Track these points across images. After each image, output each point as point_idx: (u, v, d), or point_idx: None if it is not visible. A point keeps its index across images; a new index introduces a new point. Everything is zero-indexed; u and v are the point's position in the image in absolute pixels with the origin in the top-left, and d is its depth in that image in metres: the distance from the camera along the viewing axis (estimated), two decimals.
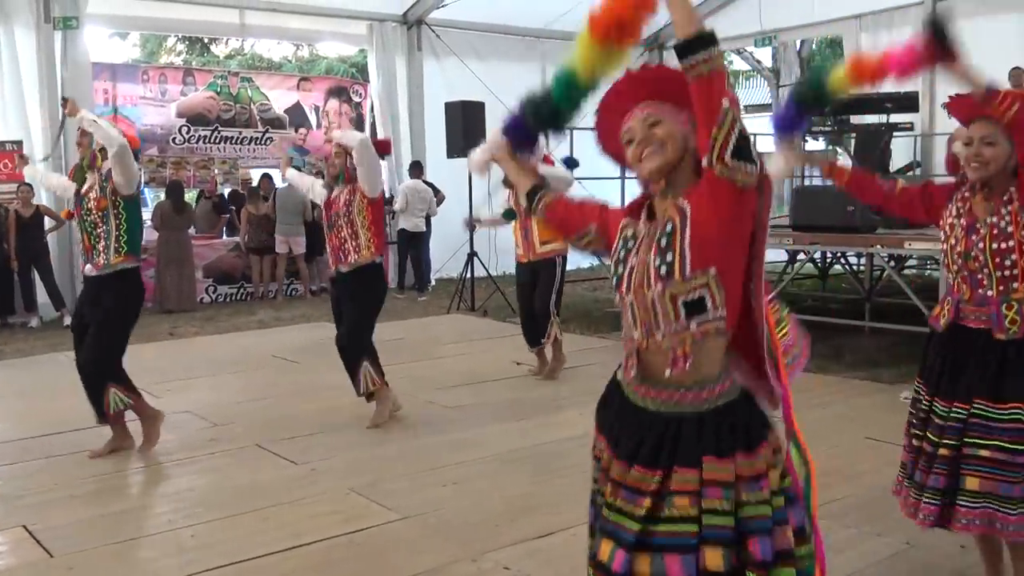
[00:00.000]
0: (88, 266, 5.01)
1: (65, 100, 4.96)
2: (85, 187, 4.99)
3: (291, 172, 6.30)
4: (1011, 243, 2.80)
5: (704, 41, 1.86)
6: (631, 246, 2.02)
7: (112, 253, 4.86)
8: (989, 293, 2.87)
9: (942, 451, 2.87)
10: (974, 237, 2.88)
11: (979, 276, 2.89)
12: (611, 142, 2.13)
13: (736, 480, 1.89)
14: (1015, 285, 2.83)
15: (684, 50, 1.86)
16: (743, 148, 1.84)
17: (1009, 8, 10.65)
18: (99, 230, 4.87)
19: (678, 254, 1.90)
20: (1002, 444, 2.79)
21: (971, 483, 2.82)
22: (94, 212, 4.86)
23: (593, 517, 2.10)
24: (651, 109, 1.99)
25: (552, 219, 2.32)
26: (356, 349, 5.41)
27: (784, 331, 2.19)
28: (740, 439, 1.91)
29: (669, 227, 1.93)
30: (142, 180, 11.79)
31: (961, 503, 2.84)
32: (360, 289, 5.45)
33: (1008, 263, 2.82)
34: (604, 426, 2.10)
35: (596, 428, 2.13)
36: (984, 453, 2.81)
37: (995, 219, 2.83)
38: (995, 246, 2.83)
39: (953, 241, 2.94)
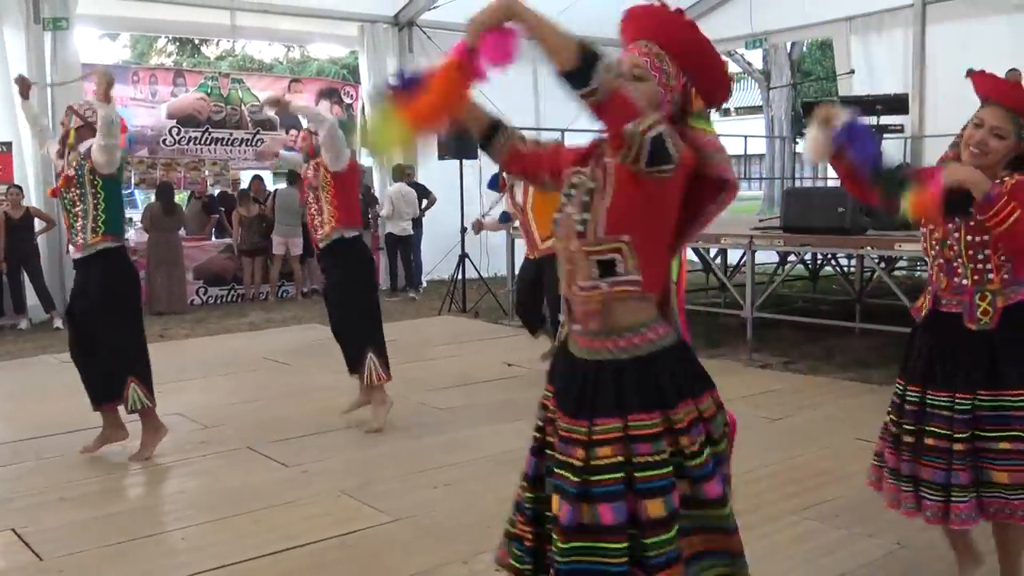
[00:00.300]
0: (71, 247, 4.96)
1: (110, 80, 4.70)
2: (61, 166, 4.94)
3: (283, 153, 6.28)
4: (986, 237, 2.73)
5: (584, 72, 1.76)
6: (572, 195, 2.06)
7: (89, 233, 4.78)
8: (964, 282, 2.82)
9: (958, 446, 2.79)
10: (950, 225, 2.81)
11: (954, 264, 2.84)
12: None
13: (665, 432, 1.95)
14: (990, 276, 2.79)
15: (570, 82, 1.80)
16: (657, 154, 1.84)
17: (999, 10, 10.70)
18: (77, 209, 4.80)
19: (593, 215, 1.97)
20: (1019, 433, 2.75)
21: (1000, 477, 2.77)
22: (72, 190, 4.79)
23: (531, 464, 2.15)
24: (646, 58, 2.00)
25: (514, 173, 2.35)
26: (355, 335, 5.38)
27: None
28: (665, 394, 1.97)
29: (592, 184, 1.99)
30: (132, 177, 11.78)
31: (992, 495, 2.78)
32: (334, 267, 5.45)
33: (981, 256, 2.78)
34: (554, 376, 2.17)
35: (548, 376, 2.20)
36: (1005, 446, 2.76)
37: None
38: (970, 238, 2.77)
39: (932, 226, 2.88)
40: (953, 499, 2.82)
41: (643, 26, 2.03)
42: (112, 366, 4.85)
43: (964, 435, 2.79)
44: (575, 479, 1.95)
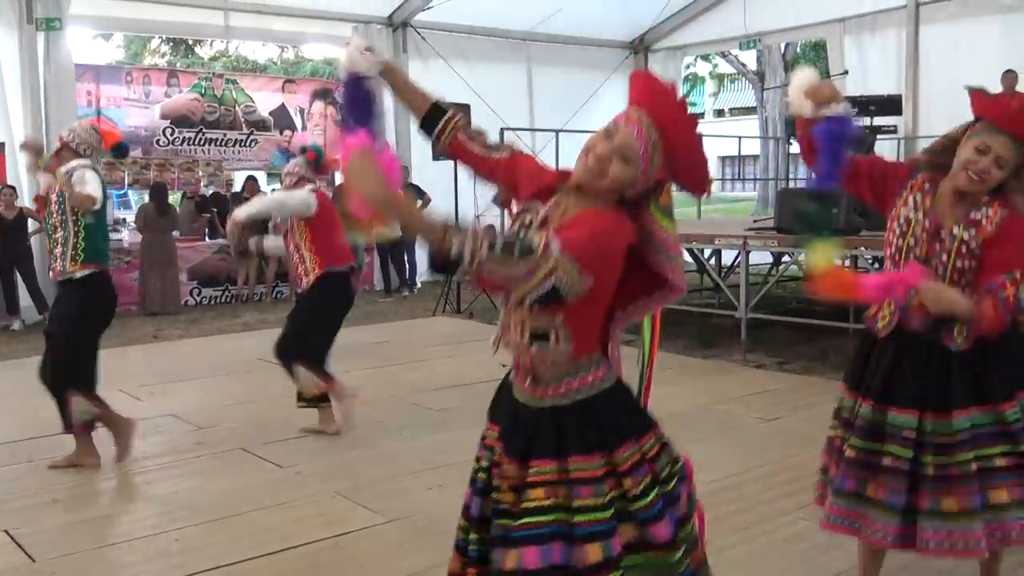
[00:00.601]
0: (50, 272, 4.90)
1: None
2: (44, 188, 4.85)
3: (267, 243, 6.00)
4: (974, 263, 2.61)
5: (452, 264, 1.71)
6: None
7: (68, 261, 4.63)
8: None
9: (971, 466, 2.64)
10: (938, 246, 2.64)
11: None
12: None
13: (607, 475, 1.92)
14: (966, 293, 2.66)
15: (440, 266, 1.75)
16: (551, 297, 1.79)
17: (992, 11, 10.73)
18: (57, 235, 4.66)
19: None
20: (1009, 449, 2.66)
21: (999, 496, 2.65)
22: (53, 215, 4.68)
23: (476, 505, 2.10)
24: (639, 137, 1.89)
25: (456, 158, 2.20)
26: (288, 355, 5.29)
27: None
28: (607, 435, 1.95)
29: None
30: (126, 177, 11.76)
31: (988, 520, 2.65)
32: (306, 299, 5.36)
33: (964, 281, 2.63)
34: (497, 415, 2.15)
35: (488, 414, 2.17)
36: (1002, 462, 2.66)
37: (965, 235, 2.61)
38: (959, 263, 2.62)
39: (912, 241, 2.69)
40: (919, 525, 2.68)
41: (652, 102, 1.94)
42: (52, 388, 4.71)
43: (967, 456, 2.65)
44: (510, 523, 1.94)
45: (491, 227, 1.77)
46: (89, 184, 4.60)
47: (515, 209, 2.08)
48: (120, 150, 5.03)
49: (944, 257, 2.65)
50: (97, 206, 4.65)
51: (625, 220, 1.92)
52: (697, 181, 2.03)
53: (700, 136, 1.97)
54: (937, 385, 2.70)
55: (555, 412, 1.97)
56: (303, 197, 5.27)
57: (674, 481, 2.01)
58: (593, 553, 1.88)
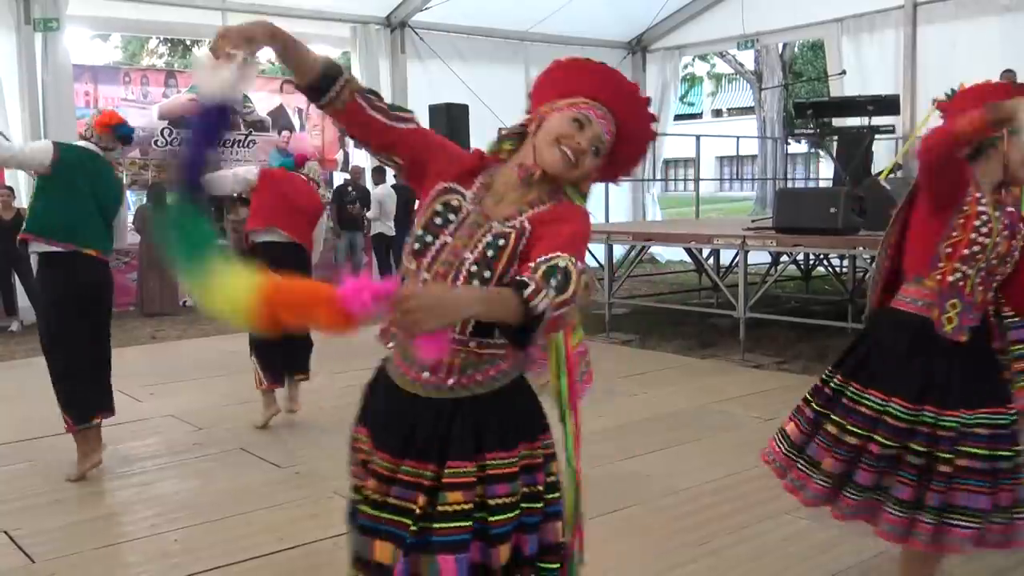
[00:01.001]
0: None
1: None
2: None
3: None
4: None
5: (530, 327, 1.61)
6: (451, 221, 1.84)
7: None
8: (990, 295, 2.70)
9: (1004, 464, 2.62)
10: (1014, 241, 2.65)
11: (993, 279, 2.68)
12: (544, 95, 1.95)
13: (522, 470, 1.83)
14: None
15: (519, 337, 1.65)
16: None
17: (989, 11, 10.75)
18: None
19: (496, 278, 1.77)
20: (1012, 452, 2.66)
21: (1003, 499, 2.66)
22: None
23: (351, 513, 1.95)
24: (607, 134, 1.88)
25: (350, 125, 1.91)
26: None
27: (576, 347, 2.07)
28: (523, 428, 1.86)
29: (500, 241, 1.80)
30: (124, 178, 11.74)
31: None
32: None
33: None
34: (367, 416, 1.97)
35: (357, 419, 1.98)
36: (1005, 465, 2.65)
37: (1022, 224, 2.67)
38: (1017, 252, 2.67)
39: (998, 239, 2.62)
40: (948, 521, 2.65)
41: (617, 98, 1.90)
42: (53, 380, 4.60)
43: (1008, 452, 2.62)
44: (414, 528, 1.78)
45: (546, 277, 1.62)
46: (31, 145, 4.63)
47: (437, 187, 1.89)
48: (119, 134, 4.81)
49: (1017, 252, 2.66)
50: (22, 160, 4.65)
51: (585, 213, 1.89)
52: (631, 167, 2.02)
53: (655, 134, 1.98)
54: (990, 380, 2.70)
55: (470, 404, 1.83)
56: (239, 173, 5.64)
57: (558, 493, 1.90)
58: (505, 553, 1.80)
